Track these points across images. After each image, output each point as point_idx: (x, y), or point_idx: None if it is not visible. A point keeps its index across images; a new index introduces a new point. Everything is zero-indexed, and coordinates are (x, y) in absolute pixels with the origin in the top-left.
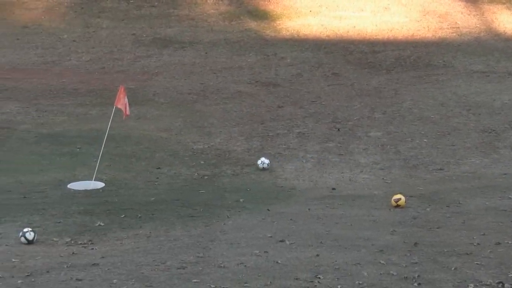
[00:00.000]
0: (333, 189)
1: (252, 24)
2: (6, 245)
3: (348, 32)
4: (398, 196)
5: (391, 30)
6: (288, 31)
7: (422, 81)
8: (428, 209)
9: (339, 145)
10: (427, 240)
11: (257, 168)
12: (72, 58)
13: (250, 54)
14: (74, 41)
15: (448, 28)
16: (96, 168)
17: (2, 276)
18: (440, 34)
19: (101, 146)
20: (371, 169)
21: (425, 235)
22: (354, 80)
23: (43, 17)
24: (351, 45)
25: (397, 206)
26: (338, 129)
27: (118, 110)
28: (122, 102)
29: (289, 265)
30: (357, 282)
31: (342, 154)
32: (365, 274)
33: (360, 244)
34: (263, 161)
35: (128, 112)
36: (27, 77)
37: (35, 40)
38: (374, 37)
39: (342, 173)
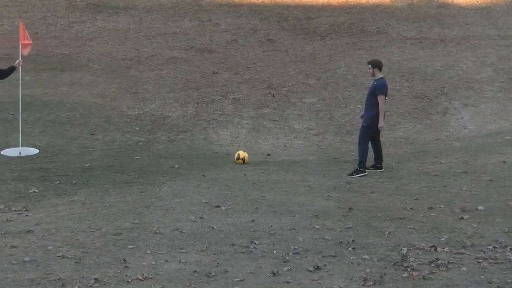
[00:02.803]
0: (268, 155)
1: None
2: None
3: None
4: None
5: None
6: None
7: (356, 47)
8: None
9: (274, 111)
10: (361, 205)
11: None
12: (4, 23)
13: (185, 20)
14: (6, 5)
15: None
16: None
17: None
18: (374, 0)
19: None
20: (306, 135)
21: (359, 200)
22: (289, 47)
23: None
24: (286, 11)
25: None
26: (273, 95)
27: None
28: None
29: (225, 231)
30: (292, 247)
31: (276, 120)
32: (300, 239)
33: (295, 210)
34: None
35: (26, 53)
36: None
37: None
38: (309, 3)
39: (277, 139)
